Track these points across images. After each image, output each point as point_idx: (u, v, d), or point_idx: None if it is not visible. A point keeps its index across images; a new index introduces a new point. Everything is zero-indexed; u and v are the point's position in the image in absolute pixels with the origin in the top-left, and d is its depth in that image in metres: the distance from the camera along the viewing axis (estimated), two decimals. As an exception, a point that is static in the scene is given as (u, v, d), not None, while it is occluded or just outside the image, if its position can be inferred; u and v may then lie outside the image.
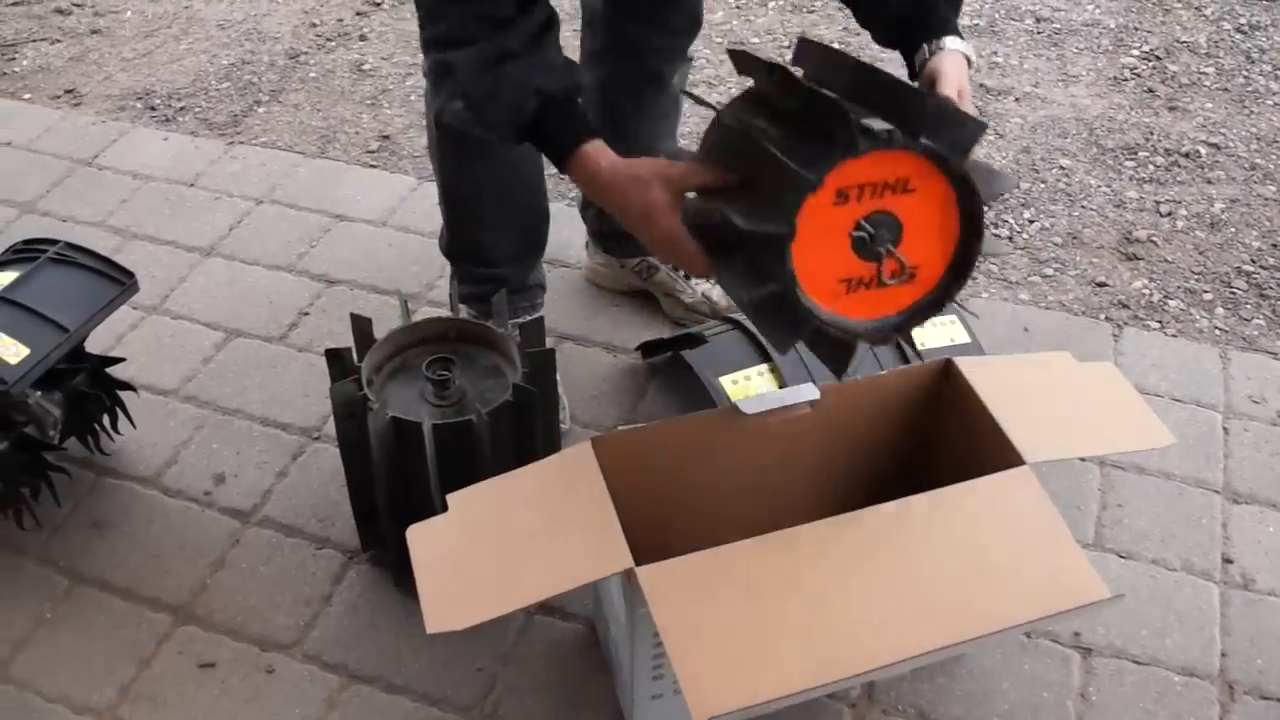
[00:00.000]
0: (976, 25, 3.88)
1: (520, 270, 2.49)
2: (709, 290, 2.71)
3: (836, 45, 3.77)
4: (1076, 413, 1.89)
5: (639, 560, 1.61)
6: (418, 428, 1.96)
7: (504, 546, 1.70)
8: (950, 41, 1.84)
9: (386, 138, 3.42)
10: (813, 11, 3.97)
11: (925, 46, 1.85)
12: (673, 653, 1.52)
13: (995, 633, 1.59)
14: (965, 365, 1.93)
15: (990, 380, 1.90)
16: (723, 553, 1.64)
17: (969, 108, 1.72)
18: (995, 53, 3.74)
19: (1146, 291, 2.84)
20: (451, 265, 2.59)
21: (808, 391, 1.89)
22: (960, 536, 1.70)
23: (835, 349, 1.64)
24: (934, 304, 1.64)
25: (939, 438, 2.00)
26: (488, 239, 2.46)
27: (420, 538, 1.71)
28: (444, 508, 2.01)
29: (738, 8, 4.01)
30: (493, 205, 2.41)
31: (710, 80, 3.65)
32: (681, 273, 2.71)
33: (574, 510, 1.72)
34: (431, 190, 2.60)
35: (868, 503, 1.72)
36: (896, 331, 1.65)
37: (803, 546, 1.66)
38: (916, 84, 1.83)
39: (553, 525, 1.71)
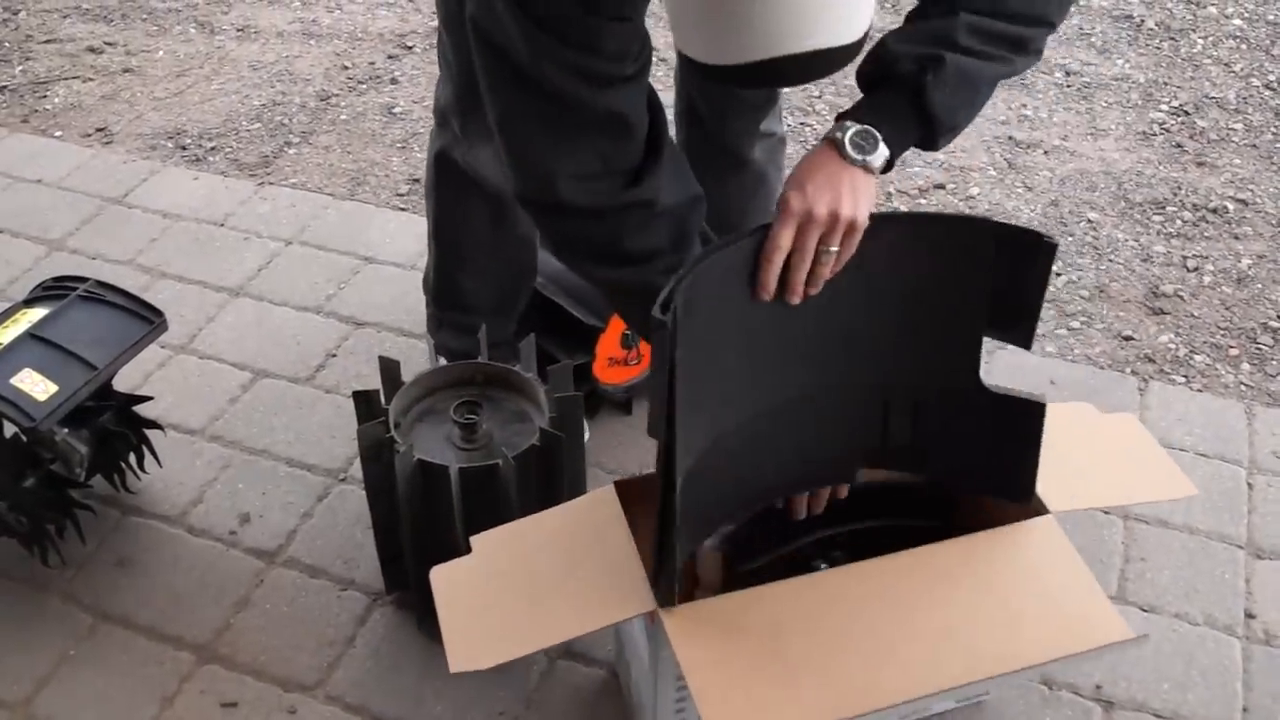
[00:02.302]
0: (1004, 77, 3.88)
1: (497, 324, 2.44)
2: None
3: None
4: (1098, 463, 1.89)
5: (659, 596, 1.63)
6: (444, 471, 1.96)
7: (527, 588, 1.70)
8: (834, 128, 1.67)
9: (416, 181, 3.43)
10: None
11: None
12: (696, 693, 1.52)
13: (1019, 670, 1.59)
14: None
15: None
16: (746, 596, 1.65)
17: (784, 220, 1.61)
18: (1025, 105, 3.74)
19: (1173, 346, 2.83)
20: (431, 313, 2.60)
21: None
22: (985, 581, 1.70)
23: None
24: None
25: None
26: (471, 285, 2.48)
27: (443, 578, 1.71)
28: (468, 550, 2.02)
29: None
30: (482, 253, 2.43)
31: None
32: None
33: (597, 552, 1.72)
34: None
35: (890, 550, 1.73)
36: (627, 392, 2.60)
37: (827, 591, 1.67)
38: None
39: (576, 567, 1.71)
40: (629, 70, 1.64)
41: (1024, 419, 1.75)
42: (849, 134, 1.62)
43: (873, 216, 1.64)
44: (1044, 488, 1.80)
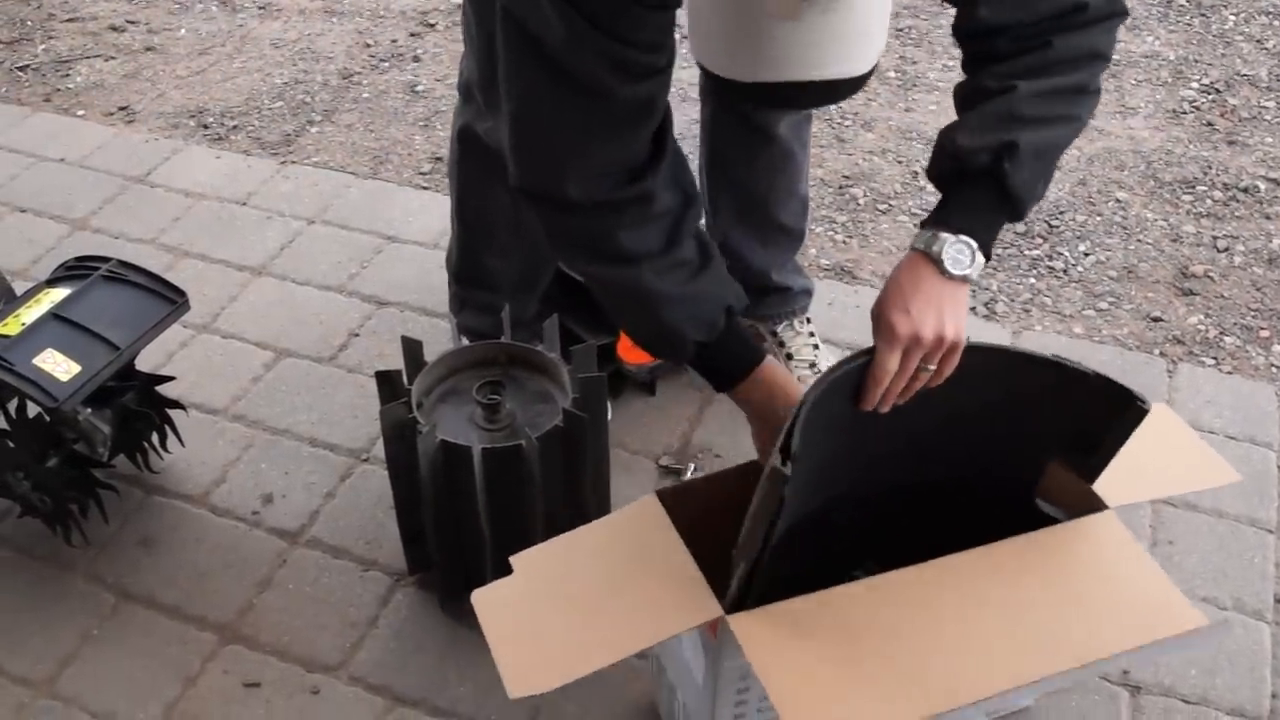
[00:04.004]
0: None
1: (520, 304, 2.45)
2: (806, 377, 2.58)
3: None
4: (1141, 455, 1.83)
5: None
6: (467, 451, 1.95)
7: (578, 603, 1.63)
8: (926, 238, 1.66)
9: (439, 159, 3.42)
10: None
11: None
12: (776, 697, 1.47)
13: (1104, 660, 1.56)
14: None
15: None
16: (810, 600, 1.60)
17: (886, 344, 1.61)
18: (1050, 83, 3.72)
19: (1202, 327, 2.81)
20: (454, 292, 2.60)
21: None
22: (1053, 576, 1.66)
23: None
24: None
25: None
26: (495, 264, 2.47)
27: (487, 602, 1.64)
28: (492, 532, 2.00)
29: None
30: (505, 230, 2.41)
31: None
32: (784, 351, 2.64)
33: (649, 561, 1.66)
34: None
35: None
36: (651, 372, 2.58)
37: (893, 592, 1.61)
38: None
39: (628, 579, 1.65)
40: (661, 62, 1.63)
41: None
42: (945, 247, 1.63)
43: (980, 348, 1.66)
44: (1098, 483, 1.75)
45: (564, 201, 1.68)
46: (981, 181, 1.65)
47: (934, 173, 1.72)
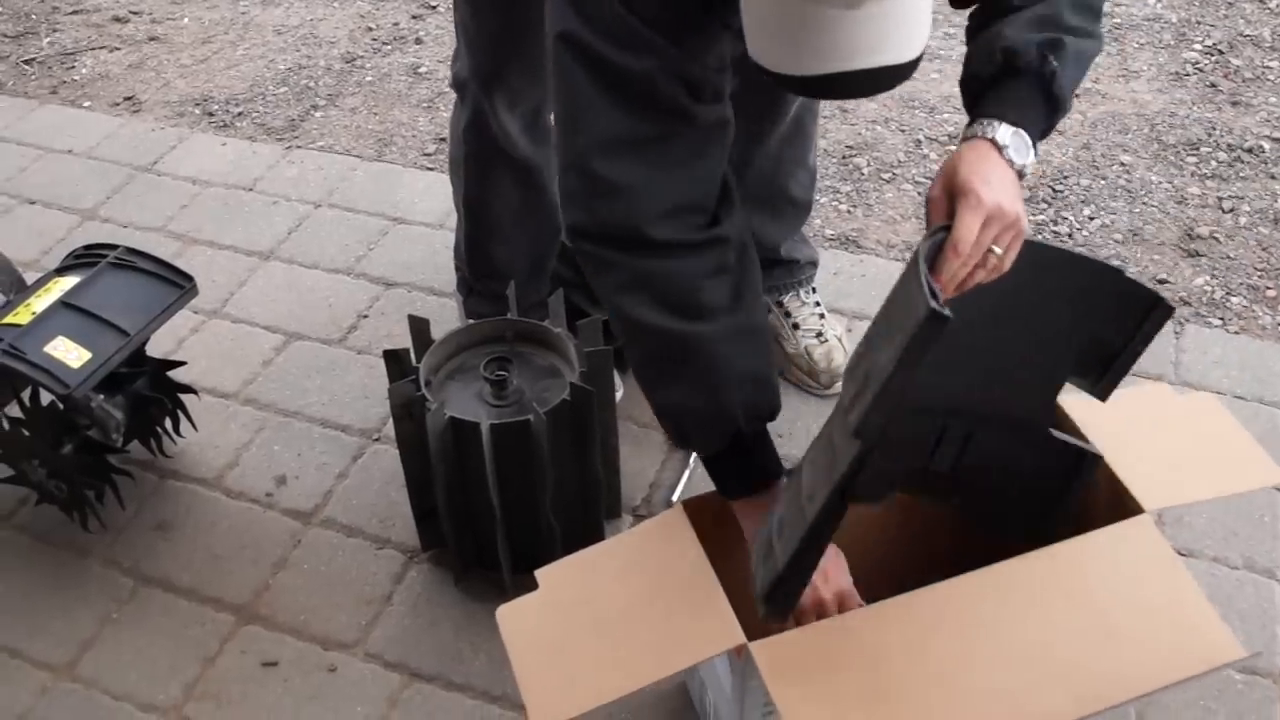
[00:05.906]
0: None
1: (530, 288, 2.48)
2: (813, 346, 2.58)
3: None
4: (1185, 451, 1.80)
5: (745, 625, 1.54)
6: (476, 428, 1.96)
7: (603, 626, 1.61)
8: (986, 127, 1.54)
9: (443, 140, 3.42)
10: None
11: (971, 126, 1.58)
12: None
13: (1130, 701, 1.51)
14: (1070, 404, 1.81)
15: (1096, 419, 1.79)
16: (838, 623, 1.58)
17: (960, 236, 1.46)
18: (1052, 49, 3.70)
19: (1208, 288, 2.81)
20: (463, 276, 2.62)
21: None
22: (1084, 596, 1.61)
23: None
24: None
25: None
26: (502, 254, 2.49)
27: (512, 620, 1.62)
28: (502, 507, 2.01)
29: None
30: (513, 221, 2.44)
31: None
32: (790, 321, 2.61)
33: (673, 583, 1.62)
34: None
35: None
36: None
37: (922, 615, 1.57)
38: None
39: (652, 601, 1.62)
40: (726, 83, 1.61)
41: (1074, 469, 1.70)
42: (1009, 136, 1.53)
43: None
44: (1136, 483, 1.70)
45: (644, 241, 1.60)
46: (1028, 79, 1.55)
47: (974, 74, 1.61)
